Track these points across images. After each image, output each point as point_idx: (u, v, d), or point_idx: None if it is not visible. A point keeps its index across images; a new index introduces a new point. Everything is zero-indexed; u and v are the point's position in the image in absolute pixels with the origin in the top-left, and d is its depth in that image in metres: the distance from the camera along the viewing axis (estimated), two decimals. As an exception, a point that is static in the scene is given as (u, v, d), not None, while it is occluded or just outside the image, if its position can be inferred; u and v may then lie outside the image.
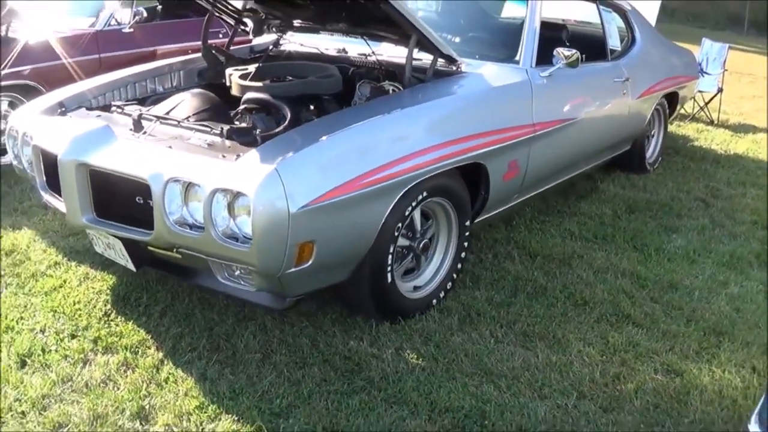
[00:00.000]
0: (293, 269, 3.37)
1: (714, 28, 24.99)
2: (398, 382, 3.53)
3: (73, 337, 3.84)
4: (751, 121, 9.95)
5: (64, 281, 4.40)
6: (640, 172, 6.91)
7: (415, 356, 3.75)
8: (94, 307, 4.11)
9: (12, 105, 6.48)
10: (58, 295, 4.23)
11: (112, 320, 4.00)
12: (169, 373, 3.56)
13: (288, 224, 3.21)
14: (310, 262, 3.40)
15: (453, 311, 4.18)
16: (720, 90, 9.56)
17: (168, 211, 3.41)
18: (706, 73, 9.66)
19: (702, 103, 9.60)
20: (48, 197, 4.07)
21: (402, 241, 3.96)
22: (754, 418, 2.42)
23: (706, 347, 3.99)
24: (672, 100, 7.23)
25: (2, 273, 4.48)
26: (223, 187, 3.24)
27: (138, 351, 3.73)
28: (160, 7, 8.40)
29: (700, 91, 9.42)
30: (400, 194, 3.70)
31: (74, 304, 4.13)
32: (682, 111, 9.31)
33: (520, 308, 4.26)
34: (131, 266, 3.89)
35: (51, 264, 4.61)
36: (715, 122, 9.52)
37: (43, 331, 3.88)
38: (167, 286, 4.32)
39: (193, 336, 3.86)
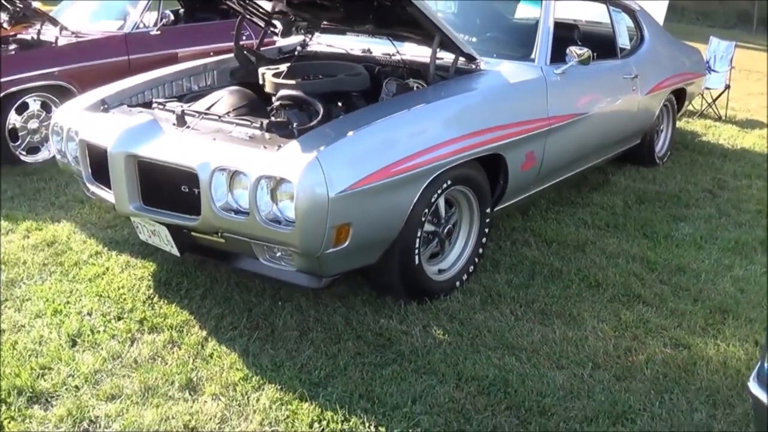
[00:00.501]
0: (331, 250, 3.71)
1: (723, 26, 25.21)
2: (427, 354, 3.87)
3: (119, 318, 4.17)
4: (758, 117, 10.25)
5: (107, 269, 4.74)
6: (649, 165, 7.23)
7: (442, 332, 4.09)
8: (138, 291, 4.46)
9: (44, 105, 6.83)
10: (102, 281, 4.57)
11: (155, 303, 4.33)
12: (214, 349, 3.90)
13: (327, 208, 3.56)
14: (346, 243, 3.75)
15: (475, 292, 4.52)
16: (727, 87, 9.84)
17: (214, 197, 3.75)
18: (713, 70, 9.93)
19: (710, 100, 9.87)
20: (94, 188, 4.40)
21: (428, 227, 4.29)
22: (753, 377, 2.73)
23: (712, 324, 4.31)
24: (680, 96, 7.55)
25: (45, 262, 4.82)
26: (267, 174, 3.59)
27: (183, 330, 4.07)
28: (182, 10, 8.76)
29: (707, 88, 9.70)
30: (427, 182, 4.05)
31: (118, 289, 4.47)
32: (691, 107, 9.60)
33: (537, 289, 4.60)
34: (176, 251, 4.23)
35: (92, 253, 4.96)
36: (723, 118, 9.78)
37: (90, 314, 4.22)
38: (206, 272, 4.67)
39: (233, 316, 4.20)
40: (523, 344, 4.00)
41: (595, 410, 3.48)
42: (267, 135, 3.98)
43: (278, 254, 3.89)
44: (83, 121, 4.45)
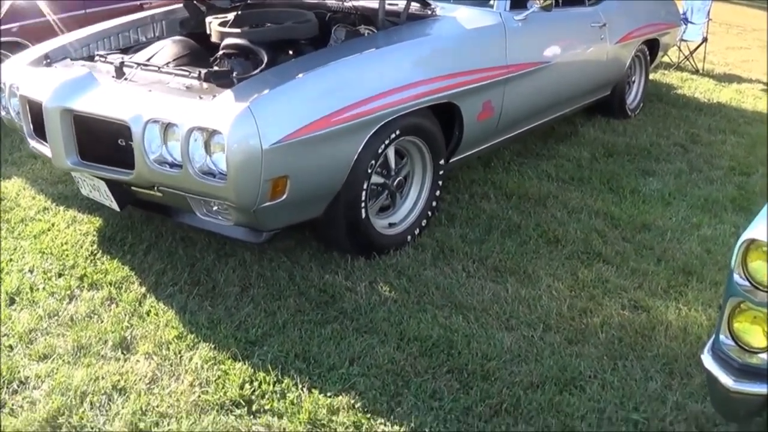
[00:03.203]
0: (268, 203, 3.44)
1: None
2: (370, 312, 3.62)
3: (60, 275, 3.93)
4: (736, 71, 9.89)
5: (53, 225, 4.48)
6: (620, 117, 6.88)
7: (388, 289, 3.83)
8: (81, 247, 4.20)
9: (3, 63, 6.53)
10: (47, 237, 4.32)
11: (98, 259, 4.09)
12: (151, 306, 3.66)
13: (261, 160, 3.29)
14: (284, 196, 3.47)
15: (427, 247, 4.24)
16: (705, 39, 9.50)
17: (148, 150, 3.49)
18: (690, 22, 9.54)
19: (687, 53, 9.55)
20: (35, 144, 4.15)
21: (376, 179, 4.02)
22: (707, 349, 2.47)
23: (675, 286, 4.00)
24: (653, 47, 7.18)
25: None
26: (198, 125, 3.33)
27: (122, 287, 3.83)
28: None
29: (684, 40, 9.39)
30: (372, 132, 3.76)
31: (62, 246, 4.22)
32: (667, 59, 9.29)
33: (492, 245, 4.31)
34: (115, 206, 3.97)
35: (40, 209, 4.70)
36: (700, 71, 9.44)
37: (31, 271, 3.98)
38: (152, 226, 4.40)
39: (175, 271, 3.95)
40: (473, 303, 3.73)
41: (542, 376, 3.21)
42: (204, 85, 3.71)
43: (215, 208, 3.63)
44: (24, 77, 4.20)
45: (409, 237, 4.25)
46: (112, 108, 3.62)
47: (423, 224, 4.34)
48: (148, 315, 3.60)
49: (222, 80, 3.67)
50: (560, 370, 3.26)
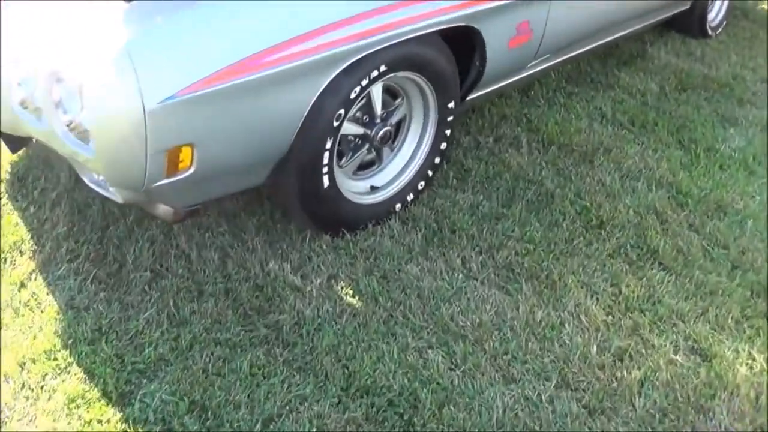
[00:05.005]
0: (165, 181, 2.20)
1: None
2: (314, 334, 2.40)
3: (-59, 232, 2.79)
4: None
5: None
6: (699, 35, 5.21)
7: (350, 293, 2.59)
8: (-20, 191, 3.03)
9: None
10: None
11: (-6, 209, 2.93)
12: (33, 294, 2.54)
13: (144, 125, 2.03)
14: (190, 171, 2.23)
15: (419, 223, 2.94)
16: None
17: (7, 89, 2.30)
18: None
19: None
20: None
21: (353, 128, 2.73)
22: None
23: (750, 317, 2.65)
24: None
25: None
26: (55, 68, 2.11)
27: (7, 258, 2.69)
28: None
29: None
30: (338, 71, 2.43)
31: (-43, 189, 3.05)
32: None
33: (511, 225, 2.97)
34: (7, 148, 2.80)
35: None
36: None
37: None
38: (76, 163, 3.18)
39: (79, 237, 2.77)
40: (465, 327, 2.47)
41: (541, 481, 2.00)
42: None
43: (100, 178, 2.40)
44: None
45: (398, 205, 2.96)
46: None
47: (420, 187, 3.02)
48: (25, 308, 2.48)
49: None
50: (570, 471, 2.03)
